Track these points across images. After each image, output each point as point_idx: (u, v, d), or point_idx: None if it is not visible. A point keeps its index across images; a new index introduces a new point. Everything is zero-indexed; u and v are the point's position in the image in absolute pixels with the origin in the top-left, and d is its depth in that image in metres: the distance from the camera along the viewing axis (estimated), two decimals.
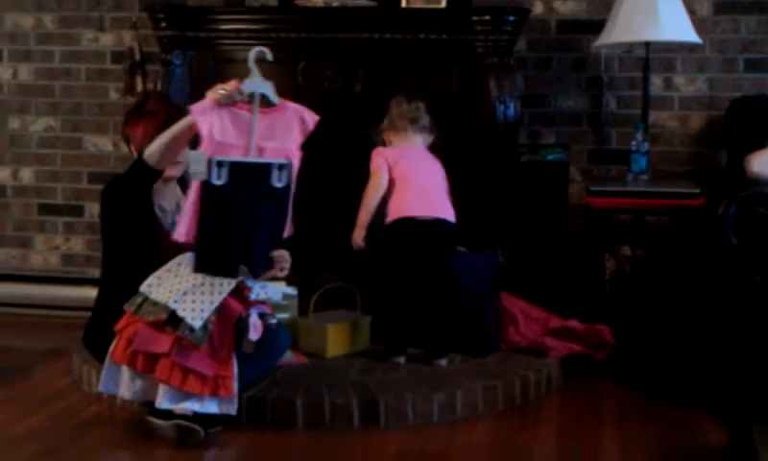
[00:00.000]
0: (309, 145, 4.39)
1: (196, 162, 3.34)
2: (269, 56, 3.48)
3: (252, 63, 3.42)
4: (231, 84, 3.42)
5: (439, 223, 3.92)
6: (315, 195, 4.64)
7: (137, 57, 4.96)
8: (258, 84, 3.44)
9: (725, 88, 4.73)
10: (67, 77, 5.24)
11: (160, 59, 4.66)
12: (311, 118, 3.54)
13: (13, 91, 5.30)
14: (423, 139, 4.10)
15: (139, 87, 4.95)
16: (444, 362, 3.90)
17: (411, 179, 3.96)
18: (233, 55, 4.60)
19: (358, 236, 3.95)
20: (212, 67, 4.59)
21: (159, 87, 4.58)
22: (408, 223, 3.90)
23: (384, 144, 4.13)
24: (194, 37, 4.57)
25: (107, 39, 5.18)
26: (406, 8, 4.56)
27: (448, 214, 3.96)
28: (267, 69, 4.52)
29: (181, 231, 3.39)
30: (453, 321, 3.95)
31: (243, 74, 4.50)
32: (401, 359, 3.90)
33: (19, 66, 5.28)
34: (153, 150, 3.44)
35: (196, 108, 3.39)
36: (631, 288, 4.15)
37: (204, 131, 3.35)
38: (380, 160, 4.01)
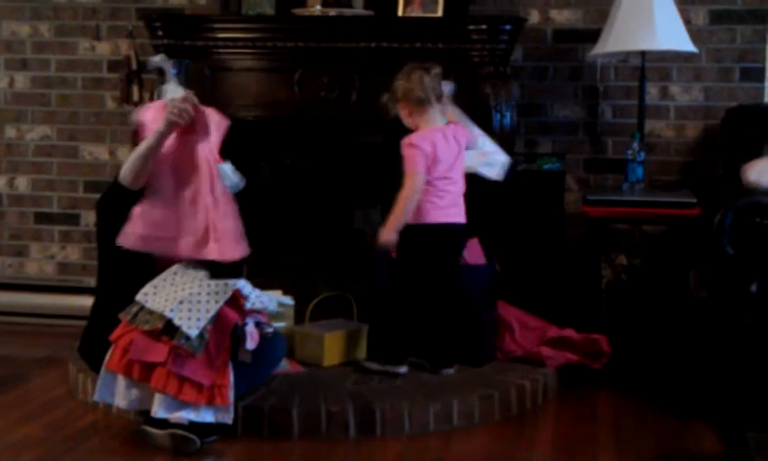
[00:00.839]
0: (304, 153, 4.41)
1: (228, 176, 3.42)
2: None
3: (172, 72, 3.51)
4: (183, 98, 3.46)
5: (453, 227, 3.88)
6: (312, 203, 4.66)
7: (134, 65, 4.96)
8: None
9: (721, 98, 4.74)
10: (63, 86, 5.24)
11: (157, 67, 4.66)
12: None
13: (10, 100, 5.30)
14: (443, 111, 3.93)
15: (136, 96, 4.95)
16: (452, 371, 3.90)
17: (442, 183, 3.83)
18: (230, 64, 4.60)
19: (390, 236, 3.76)
20: (208, 76, 4.60)
21: (156, 96, 4.58)
22: (427, 229, 3.82)
23: (396, 115, 3.91)
24: (190, 46, 4.57)
25: (103, 48, 5.19)
26: (403, 17, 4.56)
27: (462, 217, 3.91)
28: (264, 78, 4.57)
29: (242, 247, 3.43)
30: (455, 329, 3.95)
31: (239, 83, 4.56)
32: (404, 369, 3.86)
33: (15, 75, 5.28)
34: (125, 172, 3.45)
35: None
36: (627, 297, 4.15)
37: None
38: (420, 161, 3.78)
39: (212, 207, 3.41)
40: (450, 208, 3.87)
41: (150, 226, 3.42)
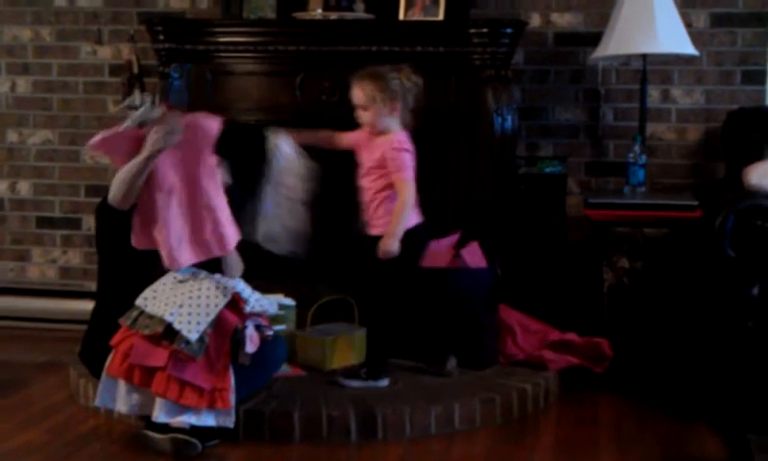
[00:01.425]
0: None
1: (226, 173, 3.52)
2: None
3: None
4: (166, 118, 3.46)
5: (424, 226, 3.86)
6: (313, 208, 4.65)
7: (135, 70, 4.96)
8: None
9: (722, 100, 4.73)
10: (65, 90, 5.24)
11: (158, 71, 4.67)
12: None
13: (11, 104, 5.30)
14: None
15: (137, 100, 4.95)
16: (454, 362, 3.90)
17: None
18: (231, 67, 4.61)
19: (393, 245, 3.69)
20: (210, 80, 4.60)
21: (158, 100, 4.59)
22: (407, 233, 3.77)
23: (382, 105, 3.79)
24: (192, 50, 4.58)
25: (104, 52, 5.19)
26: (404, 20, 4.57)
27: (420, 217, 3.87)
28: (265, 81, 4.57)
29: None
30: (445, 325, 3.94)
31: (240, 87, 4.57)
32: (385, 382, 3.80)
33: (17, 79, 5.28)
34: (114, 194, 3.44)
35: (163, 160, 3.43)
36: (629, 301, 4.15)
37: None
38: (410, 165, 3.74)
39: (213, 207, 3.42)
40: (414, 210, 3.83)
41: (152, 233, 3.43)
